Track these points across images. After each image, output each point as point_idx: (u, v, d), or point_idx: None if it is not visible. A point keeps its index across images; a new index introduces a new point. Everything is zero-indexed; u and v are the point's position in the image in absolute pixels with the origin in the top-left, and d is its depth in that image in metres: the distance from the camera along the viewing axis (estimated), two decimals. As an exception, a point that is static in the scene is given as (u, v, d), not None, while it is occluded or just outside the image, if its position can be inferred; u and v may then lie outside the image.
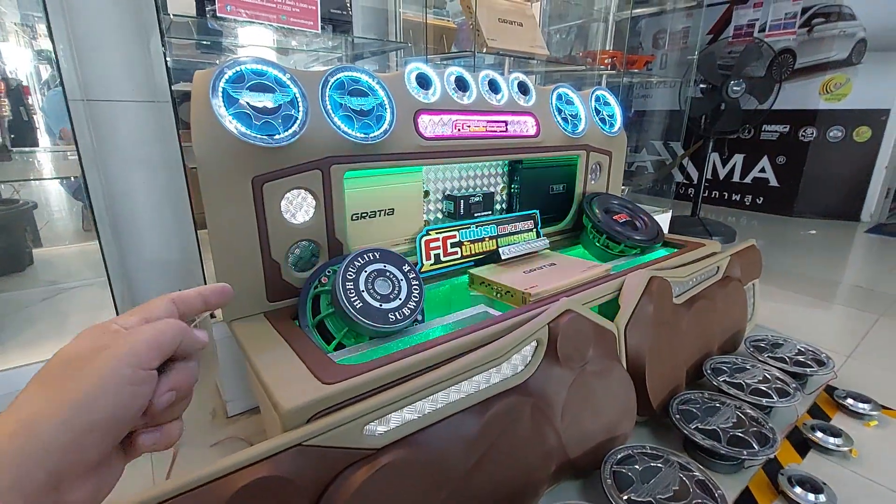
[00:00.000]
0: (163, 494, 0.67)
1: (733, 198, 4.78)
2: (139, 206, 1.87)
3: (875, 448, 1.35)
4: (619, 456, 1.15)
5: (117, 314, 1.34)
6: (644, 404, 1.31)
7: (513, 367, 1.06)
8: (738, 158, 4.74)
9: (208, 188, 1.07)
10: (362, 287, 1.09)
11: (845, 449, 1.31)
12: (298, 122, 1.14)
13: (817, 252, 3.47)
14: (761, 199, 4.62)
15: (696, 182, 3.87)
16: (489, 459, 0.98)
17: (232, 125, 1.06)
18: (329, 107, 1.21)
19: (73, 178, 1.79)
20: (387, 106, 1.31)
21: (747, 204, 4.70)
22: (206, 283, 1.47)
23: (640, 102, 4.92)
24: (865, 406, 1.49)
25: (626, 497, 1.02)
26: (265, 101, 1.11)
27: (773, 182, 4.54)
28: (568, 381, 1.13)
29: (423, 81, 1.44)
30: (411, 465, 0.86)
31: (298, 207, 1.22)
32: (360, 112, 1.26)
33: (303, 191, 1.20)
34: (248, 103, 1.09)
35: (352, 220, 1.37)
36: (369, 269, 1.13)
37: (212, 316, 1.31)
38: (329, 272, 1.18)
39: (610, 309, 1.37)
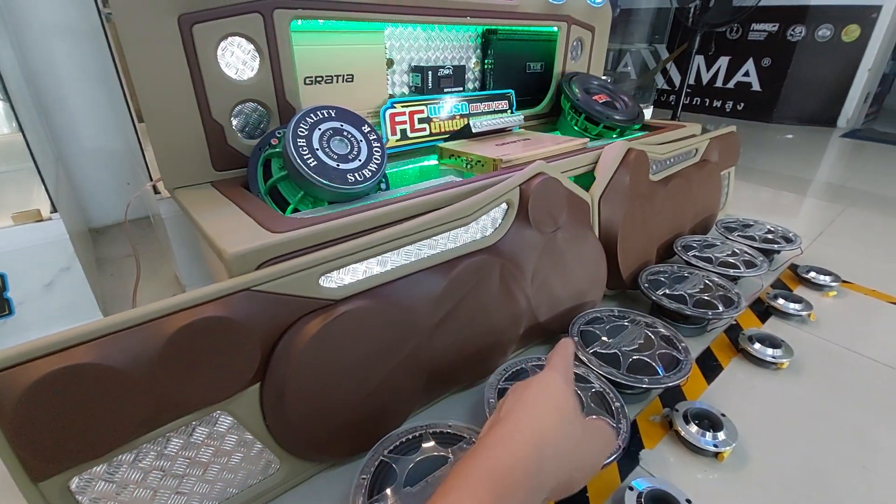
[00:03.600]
0: (106, 328, 0.61)
1: (714, 104, 4.67)
2: (65, 83, 1.65)
3: (832, 314, 1.41)
4: (587, 318, 1.15)
5: (51, 201, 1.22)
6: (614, 276, 1.31)
7: (482, 229, 1.01)
8: (723, 61, 4.56)
9: (125, 26, 0.91)
10: (316, 145, 0.99)
11: (804, 314, 1.35)
12: (228, -52, 0.96)
13: (793, 154, 3.47)
14: (742, 104, 4.52)
15: (677, 88, 3.72)
16: (457, 317, 0.95)
17: (144, -56, 0.88)
18: (266, -65, 1.02)
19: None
20: (337, -58, 1.12)
21: (728, 111, 4.61)
22: (149, 171, 1.34)
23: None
24: (826, 278, 1.53)
25: (591, 350, 1.03)
26: (184, -83, 0.92)
27: (756, 86, 4.42)
28: (539, 246, 1.09)
29: (381, -81, 1.23)
30: (372, 315, 0.82)
31: (240, 60, 1.07)
32: (304, -54, 1.07)
33: (241, 39, 1.04)
34: (162, -82, 0.90)
35: (305, 84, 1.23)
36: (324, 126, 1.02)
37: (155, 191, 1.20)
38: (279, 133, 1.07)
39: (585, 182, 1.31)
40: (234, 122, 1.10)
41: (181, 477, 0.73)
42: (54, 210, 1.16)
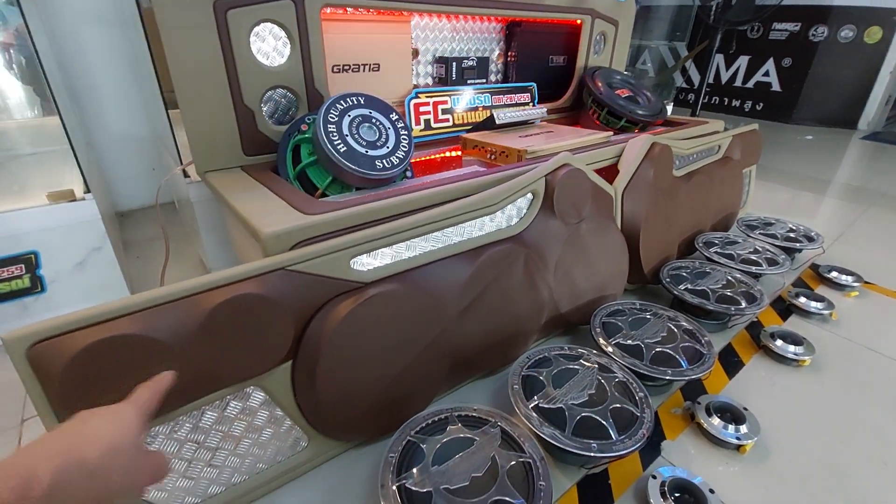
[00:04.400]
0: (149, 301, 0.63)
1: (733, 104, 4.61)
2: (95, 70, 1.68)
3: (854, 314, 1.39)
4: (608, 310, 1.15)
5: (84, 182, 1.24)
6: (636, 269, 1.30)
7: (507, 218, 1.02)
8: (742, 61, 4.50)
9: (163, 12, 0.93)
10: (346, 131, 1.00)
11: (826, 312, 1.34)
12: (264, -66, 0.97)
13: (813, 155, 3.42)
14: (761, 104, 4.46)
15: (696, 87, 3.68)
16: (481, 304, 0.96)
17: (184, -72, 0.89)
18: (300, -78, 1.03)
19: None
20: (368, -70, 1.13)
21: (747, 110, 4.55)
22: (180, 157, 1.37)
23: (646, -5, 4.52)
24: (848, 278, 1.51)
25: (614, 342, 1.04)
26: None
27: (776, 87, 4.36)
28: (563, 237, 1.09)
29: None
30: (401, 299, 0.83)
31: (271, 47, 1.08)
32: (337, -66, 1.08)
33: (274, 25, 1.06)
34: None
35: (333, 71, 1.24)
36: (353, 113, 1.03)
37: (185, 175, 1.22)
38: (309, 120, 1.08)
39: (608, 176, 1.31)
40: (265, 108, 1.12)
41: (214, 449, 0.75)
42: (87, 190, 1.18)
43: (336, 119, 1.00)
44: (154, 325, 0.63)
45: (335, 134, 0.98)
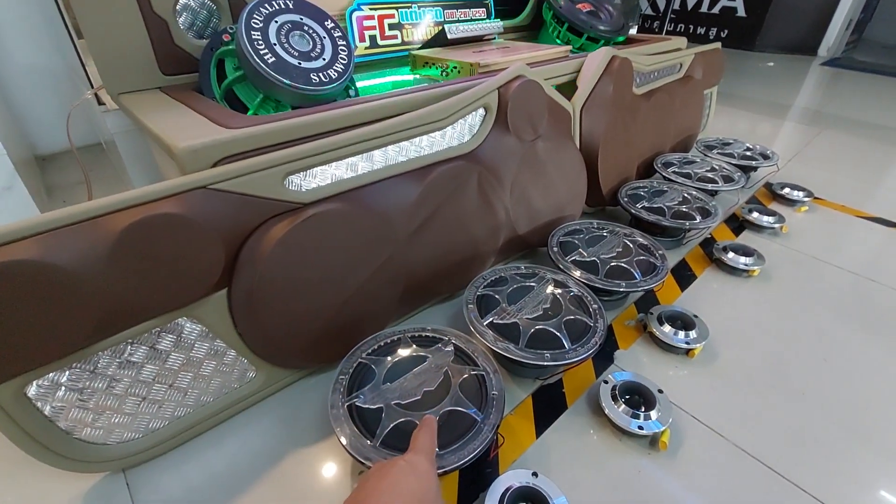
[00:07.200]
0: (47, 223, 0.57)
1: (698, 31, 4.51)
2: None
3: (803, 227, 1.43)
4: (566, 230, 1.14)
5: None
6: (594, 190, 1.28)
7: (459, 135, 0.95)
8: (709, -16, 4.36)
9: None
10: (274, 40, 0.89)
11: (777, 226, 1.37)
12: None
13: (774, 81, 3.42)
14: (726, 31, 4.38)
15: (661, 13, 3.55)
16: (434, 226, 0.92)
17: None
18: None
19: None
20: None
21: (711, 38, 4.46)
22: (92, 86, 1.21)
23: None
24: (799, 194, 1.54)
25: (570, 259, 1.03)
26: None
27: (741, 12, 4.27)
28: (518, 155, 1.04)
29: None
30: (344, 219, 0.78)
31: (179, -58, 0.93)
32: None
33: (180, -86, 0.91)
34: None
35: (259, -23, 1.09)
36: (280, 19, 0.91)
37: (99, 102, 1.09)
38: (232, 29, 0.96)
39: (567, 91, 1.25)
40: (181, 19, 0.98)
41: (149, 384, 0.71)
42: (-16, 124, 1.04)
43: (261, 25, 0.89)
44: (55, 250, 0.56)
45: (261, 42, 0.87)
